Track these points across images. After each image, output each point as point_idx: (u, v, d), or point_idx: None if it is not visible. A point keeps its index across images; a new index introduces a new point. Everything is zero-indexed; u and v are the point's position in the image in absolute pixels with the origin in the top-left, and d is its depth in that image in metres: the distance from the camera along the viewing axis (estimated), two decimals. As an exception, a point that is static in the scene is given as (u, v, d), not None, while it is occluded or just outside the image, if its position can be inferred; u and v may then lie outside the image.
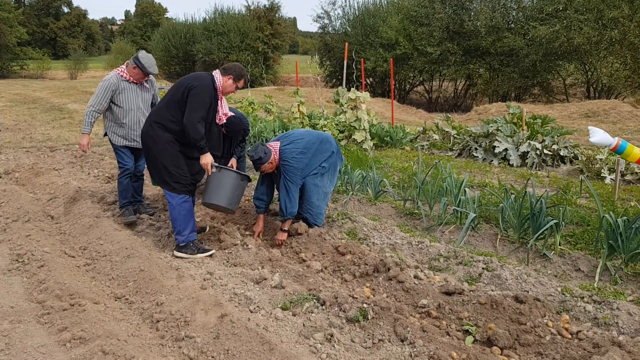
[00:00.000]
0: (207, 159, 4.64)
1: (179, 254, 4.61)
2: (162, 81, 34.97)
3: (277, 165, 5.21)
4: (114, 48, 45.13)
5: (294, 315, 3.59)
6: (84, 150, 5.63)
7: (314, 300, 3.76)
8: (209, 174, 4.73)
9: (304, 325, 3.44)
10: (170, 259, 4.53)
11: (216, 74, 4.71)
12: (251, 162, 5.14)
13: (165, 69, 41.49)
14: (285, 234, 5.13)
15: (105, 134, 5.66)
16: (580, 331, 3.55)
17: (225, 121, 4.98)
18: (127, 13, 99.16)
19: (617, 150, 5.43)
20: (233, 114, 6.10)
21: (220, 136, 5.07)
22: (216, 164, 4.83)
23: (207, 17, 39.22)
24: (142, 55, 5.43)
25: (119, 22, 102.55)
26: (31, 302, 3.64)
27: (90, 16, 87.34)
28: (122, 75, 5.47)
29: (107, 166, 8.03)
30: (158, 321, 3.44)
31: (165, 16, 70.71)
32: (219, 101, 4.78)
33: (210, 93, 4.60)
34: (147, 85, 5.71)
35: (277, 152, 5.15)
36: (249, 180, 5.13)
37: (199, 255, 4.62)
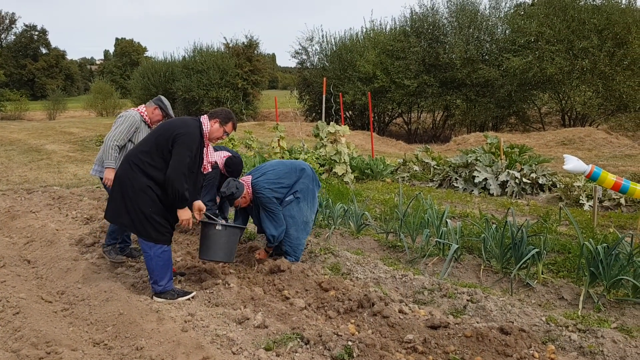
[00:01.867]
0: (187, 214, 4.41)
1: (159, 300, 4.48)
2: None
3: (252, 199, 5.27)
4: (93, 88, 45.11)
5: (277, 355, 3.51)
6: (110, 184, 5.34)
7: (298, 340, 3.69)
8: (189, 227, 4.53)
9: (288, 366, 3.37)
10: (150, 302, 4.42)
11: (203, 119, 4.59)
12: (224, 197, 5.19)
13: (144, 107, 41.40)
14: (266, 254, 5.47)
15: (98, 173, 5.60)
16: (566, 361, 3.54)
17: (210, 170, 4.86)
18: (106, 53, 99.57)
19: (591, 177, 5.51)
20: (230, 154, 6.14)
21: (200, 184, 4.87)
22: (208, 215, 4.79)
23: (186, 55, 39.48)
24: (163, 98, 5.60)
25: (98, 62, 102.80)
26: (5, 352, 3.51)
27: (69, 56, 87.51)
28: (142, 115, 5.52)
29: (85, 207, 7.92)
30: (138, 367, 3.34)
31: (144, 55, 71.05)
32: (205, 148, 4.61)
33: (197, 140, 4.41)
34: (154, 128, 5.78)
35: (250, 186, 5.22)
36: (245, 228, 5.16)
37: (180, 299, 4.50)
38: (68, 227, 6.94)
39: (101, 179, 5.52)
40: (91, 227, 6.87)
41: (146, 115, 5.55)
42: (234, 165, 6.04)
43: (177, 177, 4.23)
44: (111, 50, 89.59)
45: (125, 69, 69.89)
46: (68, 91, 66.54)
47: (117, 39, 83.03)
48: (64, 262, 5.38)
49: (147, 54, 74.27)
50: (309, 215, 5.49)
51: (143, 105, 5.67)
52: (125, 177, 4.41)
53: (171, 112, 5.61)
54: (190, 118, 4.62)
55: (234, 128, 4.78)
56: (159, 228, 4.40)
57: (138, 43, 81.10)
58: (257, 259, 5.44)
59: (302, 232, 5.41)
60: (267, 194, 5.17)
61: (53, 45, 78.89)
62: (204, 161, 4.62)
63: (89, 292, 4.58)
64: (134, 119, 5.44)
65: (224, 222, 4.91)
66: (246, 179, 5.28)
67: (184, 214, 4.40)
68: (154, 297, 4.49)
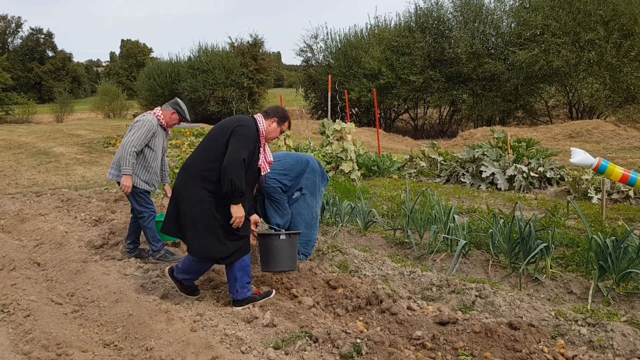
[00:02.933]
0: (240, 212, 4.07)
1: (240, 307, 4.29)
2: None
3: (257, 189, 5.24)
4: (99, 90, 45.38)
5: (286, 354, 3.52)
6: (129, 191, 5.36)
7: (307, 338, 3.69)
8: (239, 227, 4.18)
9: (297, 364, 3.38)
10: (159, 302, 4.43)
11: (259, 117, 4.33)
12: None
13: (152, 108, 41.48)
14: None
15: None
16: (576, 355, 3.52)
17: (269, 170, 4.56)
18: (112, 54, 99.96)
19: (598, 170, 5.48)
20: None
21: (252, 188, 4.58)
22: (274, 229, 4.99)
23: (191, 56, 39.68)
24: (180, 102, 5.52)
25: (104, 64, 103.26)
26: (17, 354, 3.54)
27: (76, 59, 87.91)
28: (159, 119, 5.45)
29: (94, 209, 7.96)
30: (148, 367, 3.36)
31: (150, 56, 71.29)
32: (262, 148, 4.28)
33: (255, 136, 4.14)
34: (169, 132, 5.77)
35: None
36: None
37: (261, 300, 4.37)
38: (77, 229, 6.98)
39: (118, 183, 5.46)
40: (100, 228, 6.91)
41: (162, 119, 5.47)
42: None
43: (234, 168, 3.89)
44: (117, 51, 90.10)
45: (132, 70, 70.18)
46: (75, 93, 66.89)
47: (122, 41, 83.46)
48: (73, 264, 5.41)
49: (153, 54, 74.66)
50: (317, 210, 5.51)
51: (159, 108, 5.57)
52: (204, 202, 4.10)
53: (187, 115, 5.56)
54: (245, 116, 4.37)
55: (290, 127, 4.61)
56: (239, 244, 4.21)
57: (144, 44, 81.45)
58: None
59: (312, 229, 5.43)
60: (272, 184, 5.18)
61: (59, 48, 79.48)
62: (263, 161, 4.29)
63: (98, 294, 4.60)
64: (151, 124, 5.35)
65: (284, 231, 4.77)
66: None
67: (237, 211, 4.06)
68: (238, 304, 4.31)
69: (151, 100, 40.70)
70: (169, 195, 5.95)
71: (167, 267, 4.51)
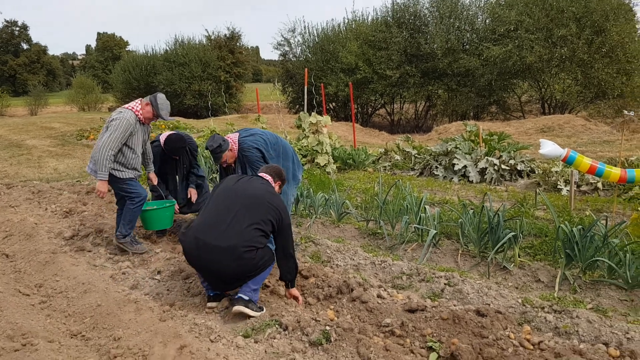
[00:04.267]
0: None
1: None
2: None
3: (236, 159, 5.22)
4: (74, 83, 44.45)
5: (255, 342, 3.53)
6: (104, 196, 5.32)
7: (277, 326, 3.71)
8: None
9: (265, 352, 3.39)
10: (128, 292, 4.40)
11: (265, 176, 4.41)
12: (210, 153, 5.12)
13: (127, 101, 40.81)
14: None
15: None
16: (541, 341, 3.59)
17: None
18: (88, 47, 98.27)
19: (567, 161, 5.57)
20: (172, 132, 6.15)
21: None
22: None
23: (167, 49, 39.12)
24: (160, 96, 5.26)
25: (80, 57, 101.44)
26: (-19, 345, 3.49)
27: (51, 52, 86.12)
28: (137, 114, 5.24)
29: (65, 201, 7.84)
30: (115, 357, 3.32)
31: (126, 49, 70.24)
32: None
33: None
34: (150, 127, 5.62)
35: (236, 143, 5.17)
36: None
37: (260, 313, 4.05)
38: (47, 220, 6.88)
39: (111, 181, 5.33)
40: (71, 220, 6.82)
41: (141, 114, 5.27)
42: (170, 143, 5.99)
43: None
44: (93, 45, 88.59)
45: (107, 63, 68.98)
46: (50, 87, 65.56)
47: (98, 34, 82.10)
48: (42, 255, 5.33)
49: (129, 48, 73.51)
50: (290, 198, 5.55)
51: (138, 101, 5.34)
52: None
53: (162, 112, 5.25)
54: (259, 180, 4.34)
55: (283, 183, 4.64)
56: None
57: (120, 37, 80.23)
58: None
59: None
60: (256, 153, 5.14)
61: (34, 40, 77.85)
62: None
63: (67, 285, 4.55)
64: (128, 123, 5.13)
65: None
66: (232, 137, 5.22)
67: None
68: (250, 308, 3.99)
69: (126, 93, 40.10)
70: (155, 182, 5.92)
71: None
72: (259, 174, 4.41)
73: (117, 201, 5.67)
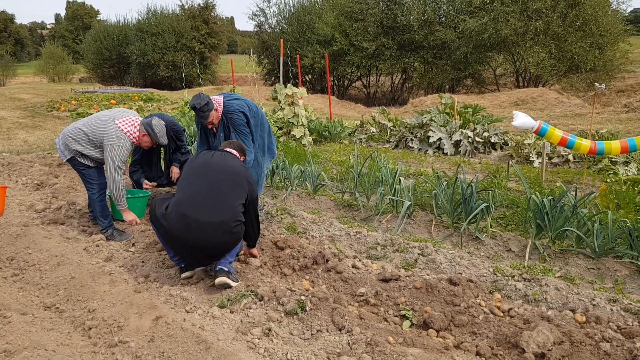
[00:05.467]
0: None
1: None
2: (95, 84, 33.92)
3: (219, 123, 5.16)
4: (44, 53, 43.15)
5: (231, 312, 3.55)
6: (136, 224, 5.17)
7: (252, 296, 3.73)
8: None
9: (241, 321, 3.41)
10: (102, 264, 4.37)
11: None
12: (194, 112, 4.98)
13: (99, 72, 40.22)
14: None
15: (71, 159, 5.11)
16: (511, 308, 3.70)
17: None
18: (57, 16, 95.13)
19: (539, 133, 5.66)
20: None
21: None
22: None
23: (140, 18, 38.27)
24: (156, 123, 5.06)
25: (49, 26, 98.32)
26: (-48, 319, 3.44)
27: (18, 20, 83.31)
28: (132, 141, 5.04)
29: (36, 173, 7.69)
30: (90, 328, 3.32)
31: (97, 18, 68.30)
32: None
33: None
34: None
35: (221, 104, 5.11)
36: None
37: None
38: (18, 193, 6.75)
39: (72, 164, 5.15)
40: (42, 193, 6.71)
41: (136, 141, 5.08)
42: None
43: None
44: (62, 13, 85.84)
45: (78, 33, 66.96)
46: (18, 57, 63.63)
47: (68, 2, 79.44)
48: (13, 228, 5.24)
49: (100, 17, 71.51)
50: (264, 170, 5.55)
51: (132, 126, 5.04)
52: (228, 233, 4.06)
53: (162, 139, 5.11)
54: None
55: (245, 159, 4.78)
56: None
57: (90, 6, 77.81)
58: None
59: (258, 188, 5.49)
60: (242, 117, 5.10)
61: (0, 8, 75.13)
62: None
63: (39, 257, 4.49)
64: (127, 150, 4.98)
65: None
66: (216, 98, 5.14)
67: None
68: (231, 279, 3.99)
69: (98, 63, 39.24)
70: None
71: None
72: (226, 150, 4.41)
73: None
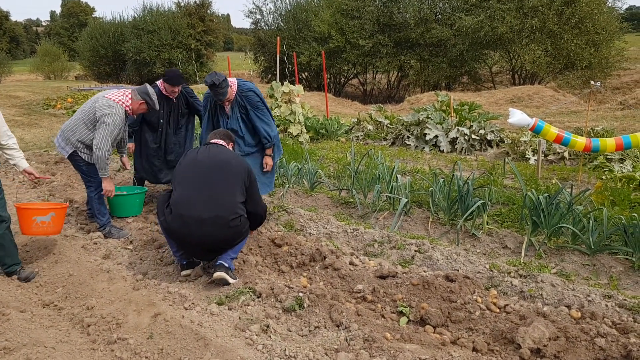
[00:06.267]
0: None
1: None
2: (91, 82, 33.82)
3: (232, 103, 5.11)
4: (39, 50, 43.00)
5: (229, 309, 3.57)
6: (112, 195, 5.09)
7: (250, 293, 3.75)
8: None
9: (239, 318, 3.43)
10: (100, 262, 4.39)
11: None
12: (211, 90, 4.89)
13: (95, 70, 40.10)
14: (272, 160, 5.40)
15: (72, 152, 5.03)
16: (507, 305, 3.72)
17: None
18: (52, 14, 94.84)
19: (534, 130, 5.68)
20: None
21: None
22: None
23: (136, 15, 38.20)
24: (150, 90, 5.03)
25: (44, 23, 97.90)
26: (-49, 316, 3.45)
27: (13, 18, 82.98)
28: (127, 111, 4.98)
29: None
30: (89, 325, 3.33)
31: (92, 16, 68.08)
32: None
33: None
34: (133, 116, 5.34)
35: (235, 84, 5.06)
36: None
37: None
38: (15, 191, 6.74)
39: (72, 160, 5.09)
40: (39, 190, 6.71)
41: (130, 110, 5.00)
42: (172, 72, 5.82)
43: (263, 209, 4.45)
44: (58, 11, 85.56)
45: (73, 30, 66.75)
46: (13, 54, 63.40)
47: (63, 0, 79.28)
48: (10, 226, 5.24)
49: (96, 14, 71.38)
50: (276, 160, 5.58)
51: (129, 95, 4.99)
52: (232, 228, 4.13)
53: (157, 105, 5.13)
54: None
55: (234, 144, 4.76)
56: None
57: (86, 3, 77.61)
58: (269, 165, 5.39)
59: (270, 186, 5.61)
60: (257, 95, 5.11)
61: (-6, 5, 74.73)
62: None
63: (37, 255, 4.51)
64: (121, 120, 4.90)
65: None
66: (229, 79, 5.07)
67: None
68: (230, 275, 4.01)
69: (93, 61, 39.12)
70: (128, 167, 5.71)
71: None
72: (212, 142, 4.37)
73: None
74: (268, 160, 5.38)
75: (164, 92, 5.85)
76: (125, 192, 5.75)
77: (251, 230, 4.46)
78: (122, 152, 5.54)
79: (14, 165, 4.52)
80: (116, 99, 4.93)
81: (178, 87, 5.82)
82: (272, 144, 5.31)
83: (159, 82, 5.93)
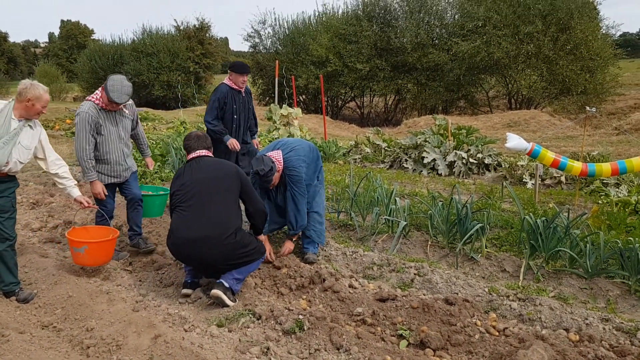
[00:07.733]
0: None
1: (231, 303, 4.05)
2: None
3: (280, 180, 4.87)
4: (38, 71, 43.27)
5: (229, 331, 3.57)
6: (103, 197, 4.84)
7: (250, 315, 3.75)
8: None
9: (239, 340, 3.44)
10: (100, 283, 4.39)
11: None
12: (258, 178, 4.63)
13: (93, 91, 40.01)
14: (293, 245, 5.11)
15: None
16: (506, 328, 3.75)
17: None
18: (51, 35, 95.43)
19: (531, 155, 5.74)
20: None
21: None
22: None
23: (135, 38, 38.48)
24: (114, 77, 4.67)
25: (42, 45, 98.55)
26: (-51, 337, 3.44)
27: (12, 39, 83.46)
28: (97, 104, 4.71)
29: (31, 192, 7.70)
30: (88, 347, 3.33)
31: (91, 38, 68.63)
32: None
33: None
34: (127, 111, 5.00)
35: (281, 162, 4.78)
36: None
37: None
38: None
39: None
40: (38, 211, 6.71)
41: (101, 102, 4.73)
42: (239, 63, 6.09)
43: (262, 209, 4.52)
44: (56, 32, 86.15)
45: (72, 52, 67.20)
46: (11, 75, 63.52)
47: (62, 21, 79.86)
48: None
49: (95, 36, 71.87)
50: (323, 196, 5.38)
51: (100, 88, 4.78)
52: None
53: (118, 99, 4.65)
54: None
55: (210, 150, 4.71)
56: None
57: (85, 25, 78.30)
58: (285, 254, 5.02)
59: (324, 217, 5.30)
60: (302, 171, 4.82)
61: (-7, 27, 75.35)
62: None
63: (36, 276, 4.50)
64: (87, 115, 4.64)
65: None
66: (274, 154, 4.78)
67: None
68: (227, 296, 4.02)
69: (92, 82, 39.24)
70: (151, 167, 5.67)
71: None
72: (197, 155, 4.32)
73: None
74: (289, 245, 5.08)
75: (232, 86, 6.08)
76: (149, 193, 5.58)
77: (256, 236, 4.51)
78: (144, 154, 5.51)
79: (67, 194, 4.46)
80: (89, 97, 4.86)
81: (245, 76, 6.05)
82: (295, 233, 5.05)
83: (226, 79, 6.18)
